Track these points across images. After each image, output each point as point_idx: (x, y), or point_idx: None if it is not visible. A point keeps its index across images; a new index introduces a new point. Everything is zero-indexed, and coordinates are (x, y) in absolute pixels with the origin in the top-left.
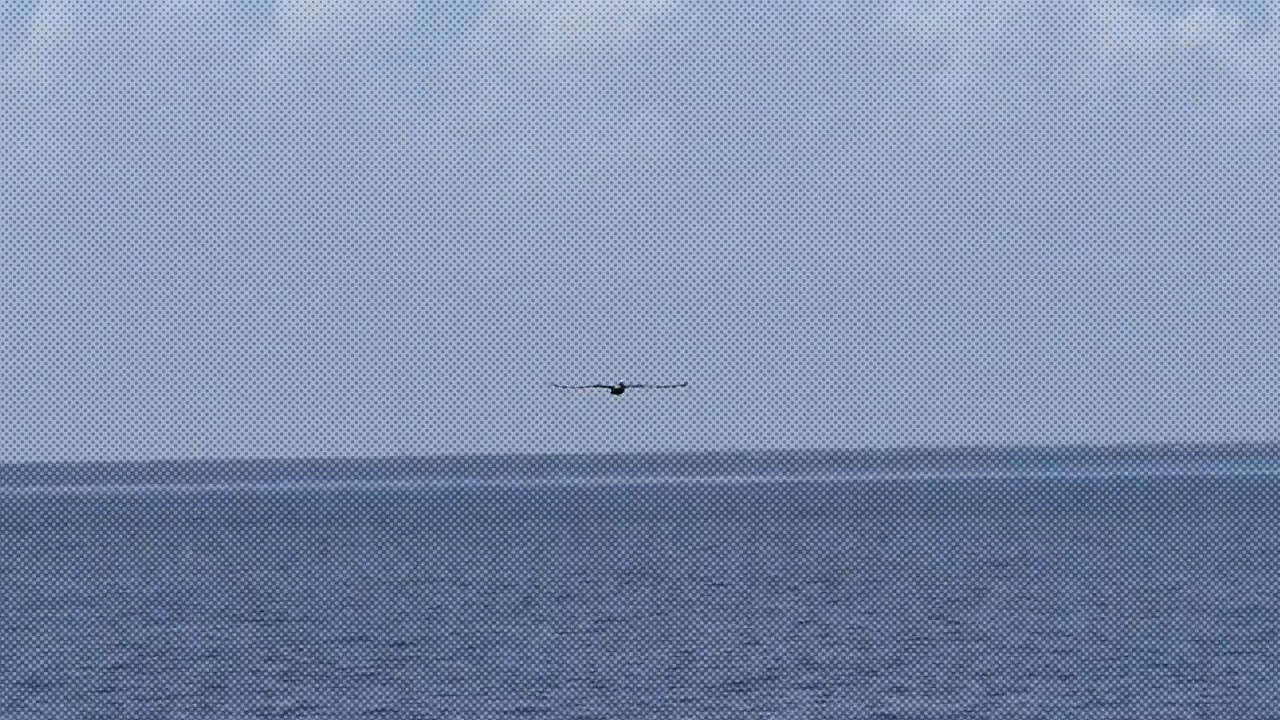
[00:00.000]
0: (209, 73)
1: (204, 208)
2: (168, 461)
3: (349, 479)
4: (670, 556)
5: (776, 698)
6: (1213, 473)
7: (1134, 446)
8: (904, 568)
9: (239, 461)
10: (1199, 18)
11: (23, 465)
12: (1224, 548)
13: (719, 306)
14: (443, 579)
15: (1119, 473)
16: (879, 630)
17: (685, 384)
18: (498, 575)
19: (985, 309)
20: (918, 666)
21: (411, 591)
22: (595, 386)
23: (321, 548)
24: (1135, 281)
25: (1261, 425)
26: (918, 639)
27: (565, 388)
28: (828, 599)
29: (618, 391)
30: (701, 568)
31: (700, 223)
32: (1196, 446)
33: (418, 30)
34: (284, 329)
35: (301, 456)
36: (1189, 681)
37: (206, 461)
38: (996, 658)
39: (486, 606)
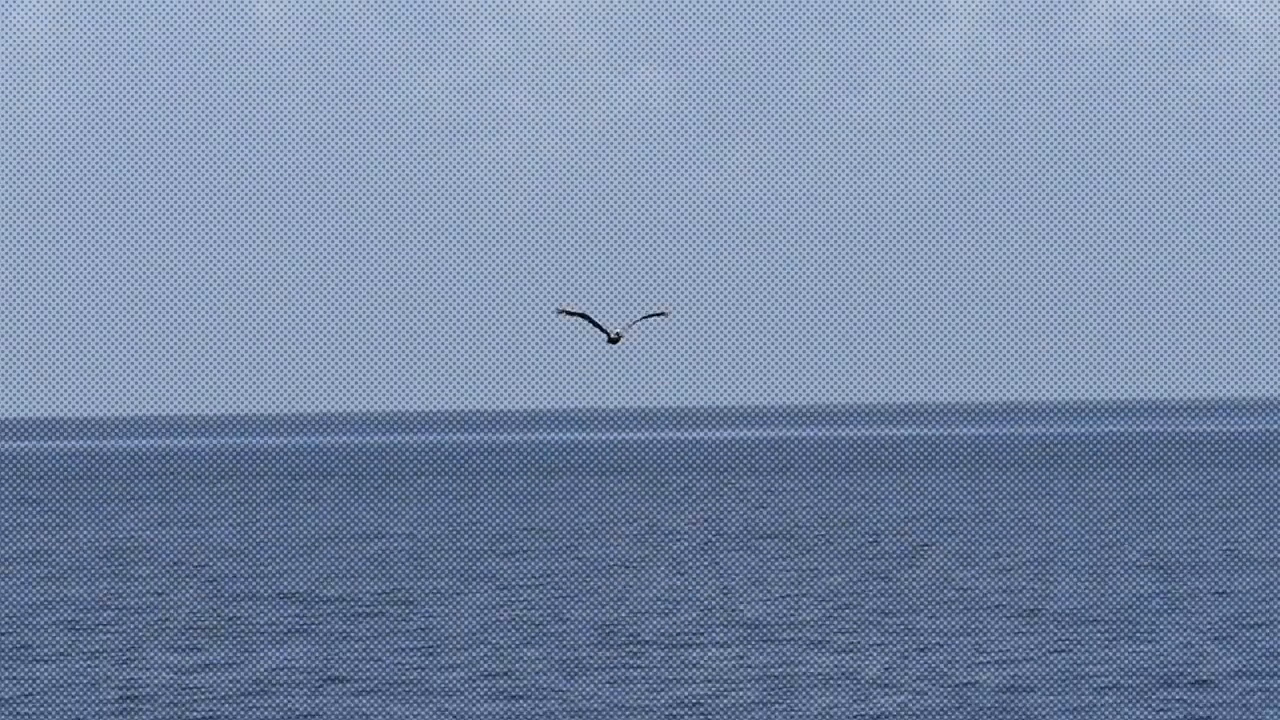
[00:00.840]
0: (207, 28)
1: (201, 163)
2: (159, 417)
3: (338, 434)
4: (631, 511)
5: (694, 655)
6: (1208, 428)
7: (1134, 402)
8: (857, 523)
9: (232, 417)
10: None
11: (11, 420)
12: (1186, 504)
13: (717, 262)
14: (395, 534)
15: (1111, 428)
16: (814, 587)
17: (665, 313)
18: (450, 530)
19: (982, 265)
20: (840, 623)
21: (358, 547)
22: (595, 325)
23: (285, 502)
24: (1134, 237)
25: (1261, 380)
26: (850, 595)
27: (570, 313)
28: (776, 554)
29: (614, 341)
30: (661, 522)
31: (698, 179)
32: (1196, 401)
33: None
34: (276, 283)
35: (297, 411)
36: (1113, 640)
37: (196, 417)
38: (921, 616)
39: (430, 562)
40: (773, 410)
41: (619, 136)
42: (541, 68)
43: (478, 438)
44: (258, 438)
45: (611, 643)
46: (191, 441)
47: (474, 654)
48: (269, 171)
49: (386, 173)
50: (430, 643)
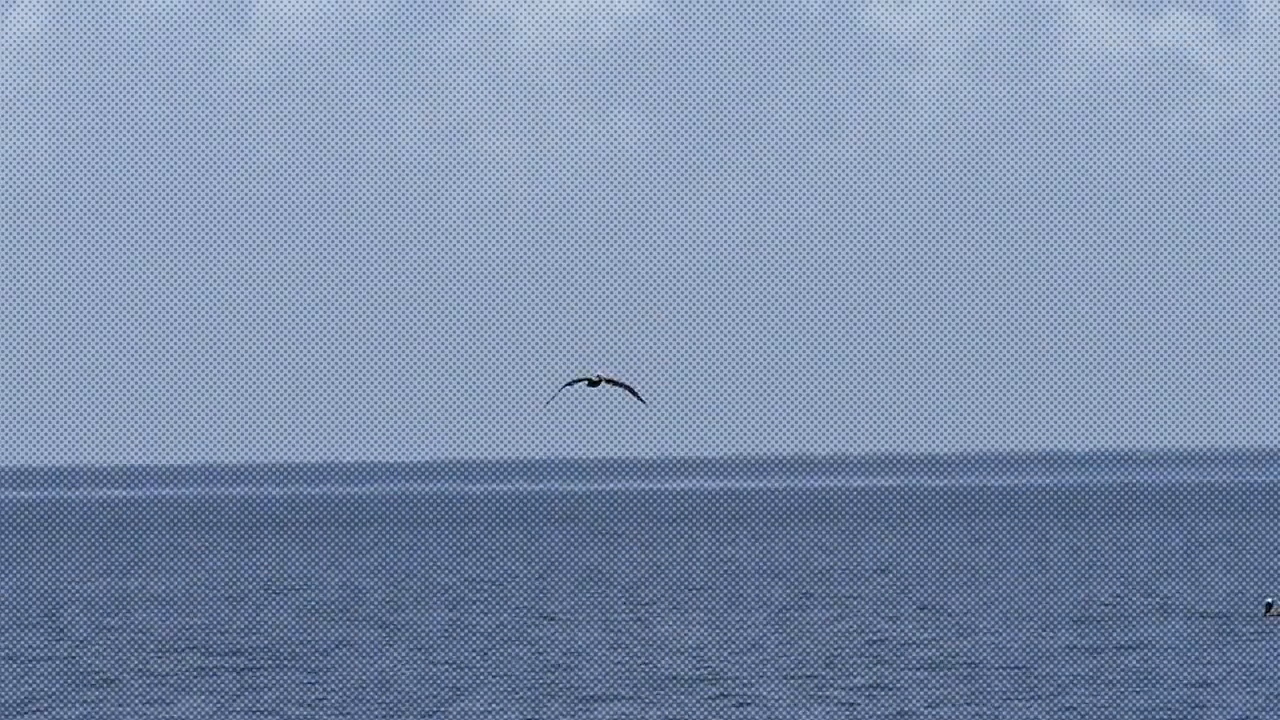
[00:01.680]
0: (183, 72)
1: (178, 208)
2: (148, 467)
3: (313, 484)
4: (575, 560)
5: (597, 710)
6: (1193, 479)
7: (1127, 451)
8: (774, 574)
9: (210, 466)
10: (1174, 20)
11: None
12: (1136, 553)
13: (694, 306)
14: (327, 584)
15: (1093, 478)
16: (717, 640)
17: (642, 400)
18: (384, 582)
19: (953, 311)
20: (748, 676)
21: (286, 597)
22: (572, 384)
23: (229, 553)
24: (1107, 283)
25: (1245, 430)
26: (750, 645)
27: (552, 397)
28: (700, 607)
29: (594, 384)
30: (602, 571)
31: (675, 222)
32: (1194, 451)
33: (393, 28)
34: (255, 330)
35: (282, 461)
36: (1014, 694)
37: (172, 467)
38: (831, 669)
39: (354, 612)
40: (742, 460)
41: (595, 180)
42: (517, 110)
43: (444, 488)
44: (231, 488)
45: (510, 697)
46: (158, 491)
47: (366, 707)
48: (243, 219)
49: (362, 216)
50: (320, 696)
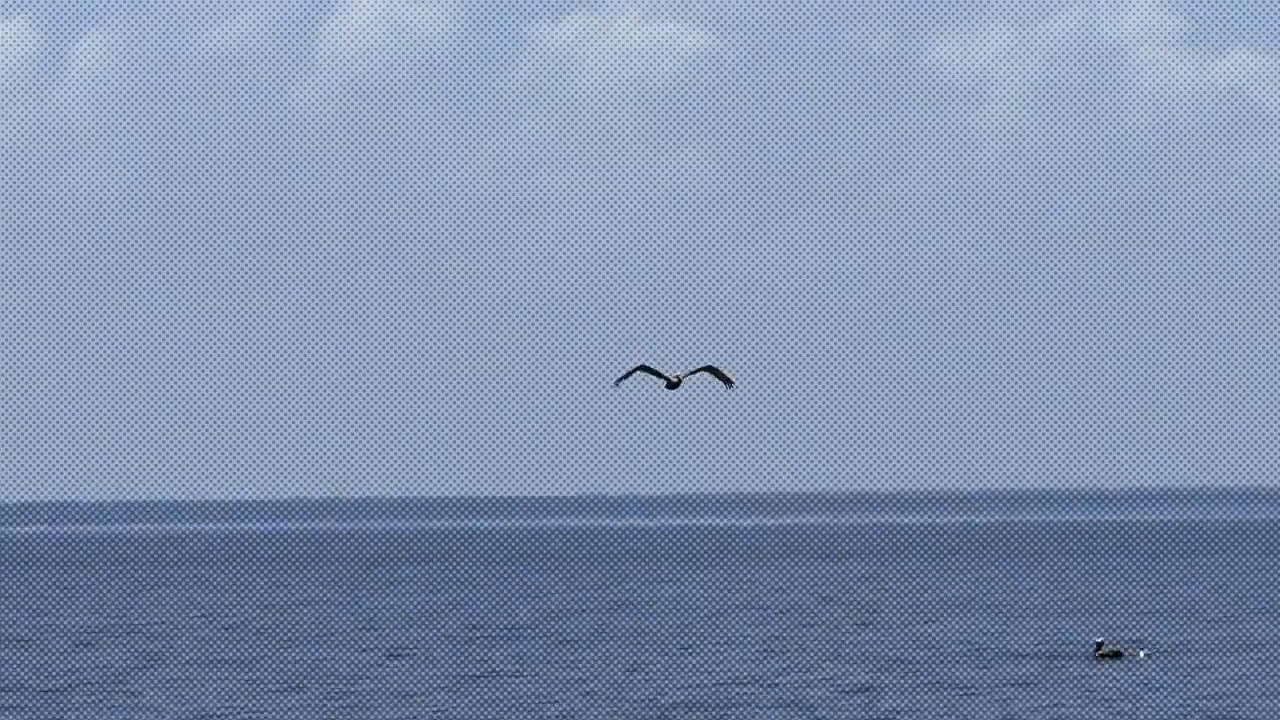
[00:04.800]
0: (247, 108)
1: (240, 243)
2: (137, 502)
3: (330, 520)
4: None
5: None
6: (1206, 516)
7: (1165, 490)
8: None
9: (228, 502)
10: (1235, 60)
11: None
12: (1040, 593)
13: (757, 342)
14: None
15: (1079, 516)
16: (565, 676)
17: (731, 382)
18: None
19: (1023, 346)
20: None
21: (128, 641)
22: (653, 373)
23: (95, 593)
24: (1177, 321)
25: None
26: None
27: (623, 378)
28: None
29: (673, 386)
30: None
31: (737, 260)
32: (1223, 490)
33: (457, 65)
34: (319, 364)
35: (313, 496)
36: None
37: (178, 502)
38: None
39: (182, 652)
40: (830, 496)
41: (658, 217)
42: (581, 149)
43: (467, 524)
44: (226, 524)
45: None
46: (158, 528)
47: None
48: (305, 254)
49: (425, 253)
50: None
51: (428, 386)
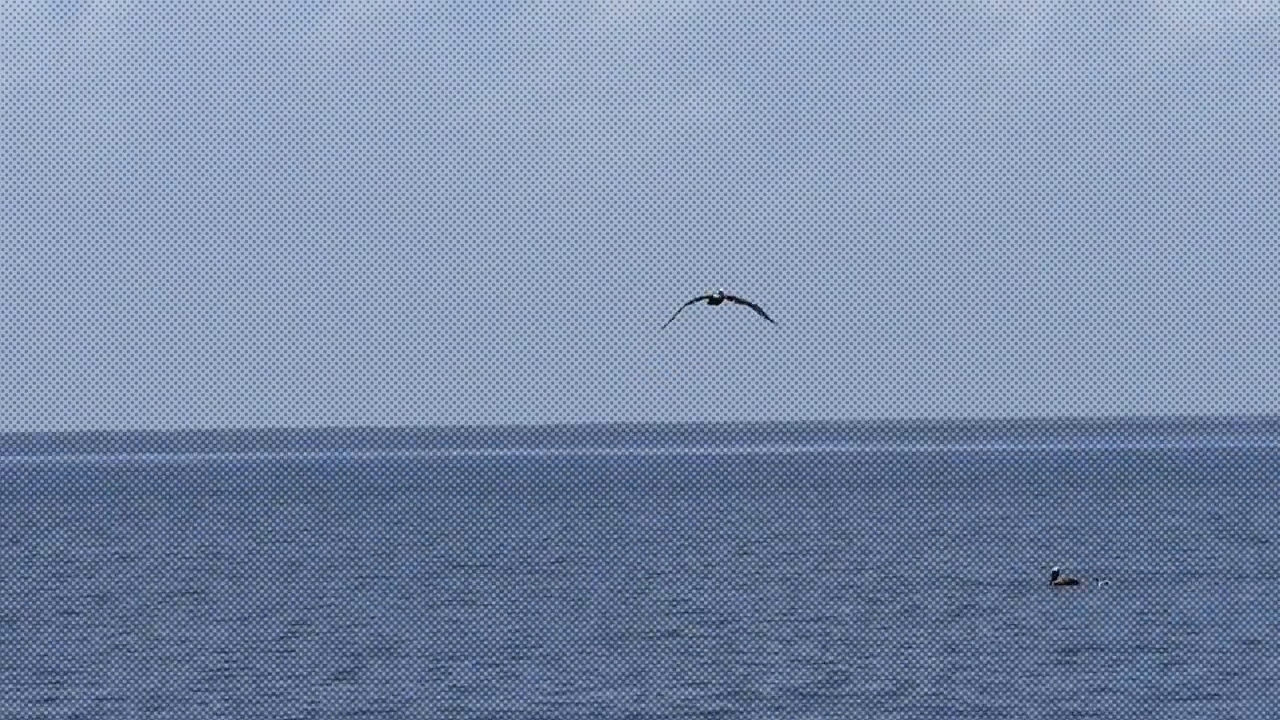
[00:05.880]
0: (273, 40)
1: (251, 185)
2: (145, 432)
3: (325, 449)
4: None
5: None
6: (1207, 444)
7: (1159, 418)
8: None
9: (231, 431)
10: None
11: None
12: (1000, 528)
13: (777, 276)
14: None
15: (1097, 445)
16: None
17: (772, 320)
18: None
19: (1040, 286)
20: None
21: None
22: (693, 302)
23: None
24: (1202, 254)
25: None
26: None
27: (672, 318)
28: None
29: (715, 302)
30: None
31: (760, 193)
32: (1232, 418)
33: (473, 9)
34: (339, 297)
35: (324, 426)
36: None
37: (189, 432)
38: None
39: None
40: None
41: (682, 148)
42: (606, 80)
43: (465, 454)
44: (232, 454)
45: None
46: (155, 457)
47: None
48: (331, 186)
49: (452, 184)
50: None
51: (437, 316)
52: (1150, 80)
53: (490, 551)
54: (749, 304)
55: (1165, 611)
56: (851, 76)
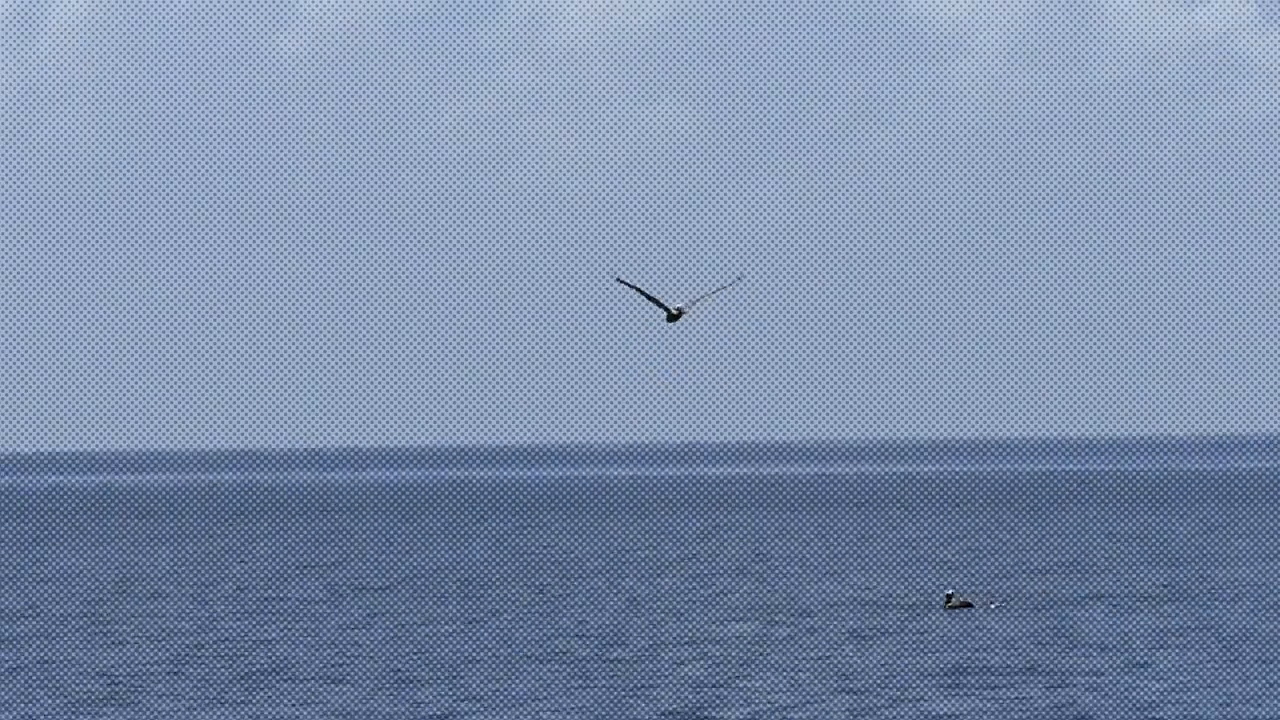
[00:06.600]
0: (231, 60)
1: (223, 195)
2: (148, 452)
3: (322, 470)
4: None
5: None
6: (1188, 467)
7: (1159, 439)
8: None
9: (230, 452)
10: (1219, 8)
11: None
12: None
13: (736, 294)
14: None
15: (1068, 466)
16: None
17: (741, 277)
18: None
19: (1003, 299)
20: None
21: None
22: (654, 301)
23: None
24: (1158, 273)
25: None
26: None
27: (628, 284)
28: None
29: (673, 318)
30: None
31: (718, 210)
32: (1219, 438)
33: (440, 18)
34: (307, 316)
35: (313, 447)
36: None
37: (189, 452)
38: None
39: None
40: (797, 446)
41: (640, 167)
42: (564, 99)
43: (451, 474)
44: (231, 474)
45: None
46: (160, 478)
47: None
48: (290, 207)
49: (409, 204)
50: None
51: (418, 338)
52: (1103, 96)
53: (404, 574)
54: (711, 295)
55: (1059, 634)
56: (807, 95)
